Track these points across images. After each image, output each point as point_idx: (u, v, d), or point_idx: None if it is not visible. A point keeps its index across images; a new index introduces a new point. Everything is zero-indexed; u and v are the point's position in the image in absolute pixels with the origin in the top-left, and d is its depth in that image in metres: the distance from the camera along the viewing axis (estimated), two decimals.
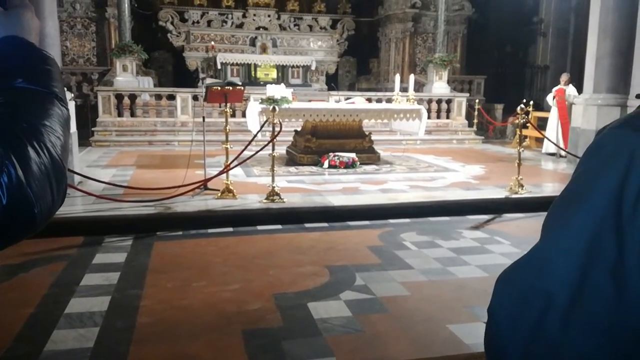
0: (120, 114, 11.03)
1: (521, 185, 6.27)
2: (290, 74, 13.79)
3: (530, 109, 10.54)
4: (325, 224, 5.30)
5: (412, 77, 8.78)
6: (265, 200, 5.62)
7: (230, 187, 5.82)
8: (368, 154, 8.32)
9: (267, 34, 14.81)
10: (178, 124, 11.04)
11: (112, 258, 4.25)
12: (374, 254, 4.39)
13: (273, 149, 5.73)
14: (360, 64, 16.84)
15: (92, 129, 10.68)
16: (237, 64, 13.51)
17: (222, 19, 14.88)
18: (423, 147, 11.05)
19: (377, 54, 16.30)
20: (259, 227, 5.17)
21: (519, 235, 4.99)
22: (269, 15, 15.09)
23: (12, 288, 3.66)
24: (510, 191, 6.28)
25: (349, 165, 7.76)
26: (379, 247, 4.58)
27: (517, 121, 7.26)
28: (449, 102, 12.51)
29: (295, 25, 15.50)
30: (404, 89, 9.67)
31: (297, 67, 13.91)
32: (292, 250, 4.51)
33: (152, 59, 14.44)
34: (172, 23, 14.41)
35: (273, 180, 5.69)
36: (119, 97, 11.03)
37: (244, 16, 14.98)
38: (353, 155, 7.92)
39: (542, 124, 10.51)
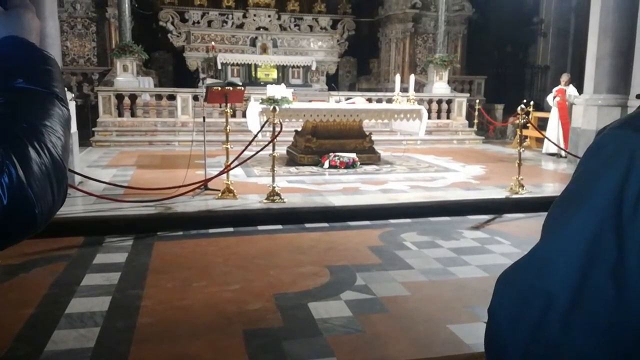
0: (120, 114, 11.04)
1: (521, 186, 6.27)
2: (290, 74, 13.79)
3: (531, 109, 10.54)
4: (326, 224, 5.30)
5: (412, 78, 8.78)
6: (265, 201, 5.62)
7: (231, 187, 5.82)
8: (368, 154, 8.32)
9: (268, 34, 14.82)
10: (178, 124, 11.04)
11: (112, 258, 4.25)
12: (375, 254, 4.39)
13: (273, 149, 5.73)
14: (360, 64, 16.84)
15: (93, 129, 10.69)
16: (237, 64, 13.52)
17: (222, 19, 14.89)
18: (423, 147, 11.05)
19: (378, 54, 16.30)
20: (260, 227, 5.17)
21: (519, 236, 4.99)
22: (269, 16, 15.09)
23: (13, 288, 3.66)
24: (510, 191, 6.28)
25: (350, 165, 7.76)
26: (379, 247, 4.58)
27: (517, 121, 7.26)
28: (449, 102, 12.51)
29: (295, 25, 15.50)
30: (405, 89, 9.67)
31: (298, 67, 13.91)
32: (293, 250, 4.51)
33: (152, 59, 14.45)
34: (172, 23, 14.42)
35: (273, 181, 5.69)
36: (120, 97, 11.04)
37: (244, 16, 14.98)
38: (353, 155, 7.92)
39: (542, 124, 10.51)
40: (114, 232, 4.84)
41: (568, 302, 0.54)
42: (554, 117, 10.06)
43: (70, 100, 6.66)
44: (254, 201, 5.70)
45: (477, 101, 12.81)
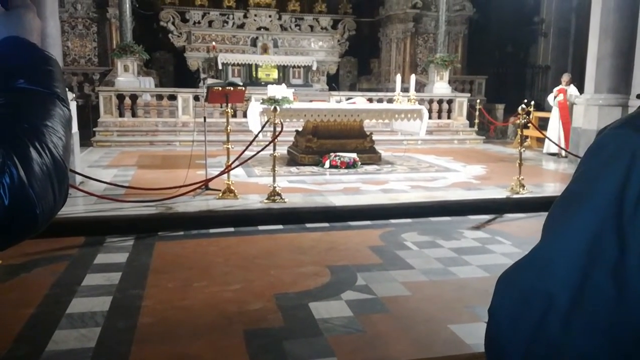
0: (121, 114, 11.04)
1: (522, 186, 6.27)
2: (291, 74, 13.80)
3: (532, 109, 10.51)
4: (327, 224, 5.30)
5: (413, 77, 8.78)
6: (266, 201, 5.62)
7: (232, 187, 5.82)
8: (369, 154, 8.32)
9: (268, 34, 14.82)
10: (179, 124, 11.04)
11: (113, 258, 4.25)
12: (375, 254, 4.39)
13: (274, 149, 5.74)
14: (361, 64, 16.84)
15: (94, 129, 10.69)
16: (238, 64, 13.52)
17: (223, 20, 14.90)
18: (424, 147, 11.05)
19: (378, 54, 16.30)
20: (260, 227, 5.17)
21: (520, 236, 4.99)
22: (270, 16, 15.10)
23: (13, 288, 3.67)
24: (511, 191, 6.27)
25: (350, 165, 7.76)
26: (380, 247, 4.58)
27: (518, 121, 7.25)
28: (450, 102, 12.50)
29: (296, 25, 15.50)
30: (405, 89, 9.68)
31: (298, 67, 13.91)
32: (293, 250, 4.51)
33: (153, 59, 14.46)
34: (173, 23, 14.43)
35: (274, 181, 5.69)
36: (120, 97, 11.04)
37: (245, 16, 14.99)
38: (354, 155, 7.92)
39: (543, 124, 10.50)
40: (114, 232, 4.84)
41: (569, 302, 0.54)
42: (554, 117, 10.05)
43: (71, 100, 6.66)
44: (255, 201, 5.70)
45: (478, 101, 12.81)
